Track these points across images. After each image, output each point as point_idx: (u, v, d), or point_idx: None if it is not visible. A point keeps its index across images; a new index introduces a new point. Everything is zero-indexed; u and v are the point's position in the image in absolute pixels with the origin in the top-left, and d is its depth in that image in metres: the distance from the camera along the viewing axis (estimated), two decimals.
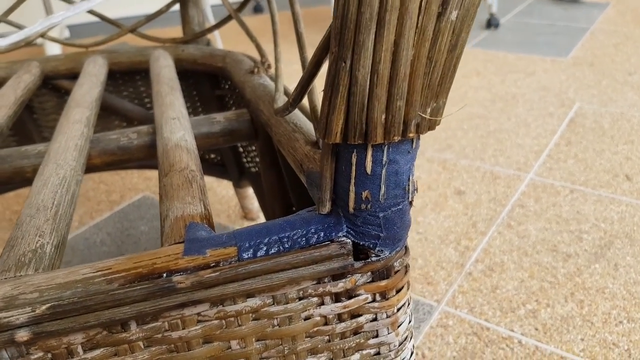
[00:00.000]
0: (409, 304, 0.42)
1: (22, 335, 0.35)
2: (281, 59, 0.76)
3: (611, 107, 1.71)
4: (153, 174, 1.46)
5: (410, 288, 0.40)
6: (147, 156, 0.72)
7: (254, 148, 0.95)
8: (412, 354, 0.43)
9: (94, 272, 0.36)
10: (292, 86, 0.67)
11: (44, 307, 0.35)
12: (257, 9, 3.18)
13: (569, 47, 2.26)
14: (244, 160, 1.02)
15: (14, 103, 0.80)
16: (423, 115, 0.34)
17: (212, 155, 1.12)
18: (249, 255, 0.37)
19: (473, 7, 0.32)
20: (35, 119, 1.03)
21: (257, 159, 0.94)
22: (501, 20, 2.65)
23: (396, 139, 0.34)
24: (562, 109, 1.72)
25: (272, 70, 0.81)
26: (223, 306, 0.37)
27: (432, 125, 0.35)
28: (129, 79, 1.07)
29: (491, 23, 2.57)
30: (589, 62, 2.09)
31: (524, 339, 0.90)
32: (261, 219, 1.26)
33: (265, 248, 0.37)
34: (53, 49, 2.33)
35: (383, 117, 0.34)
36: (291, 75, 0.75)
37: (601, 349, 0.88)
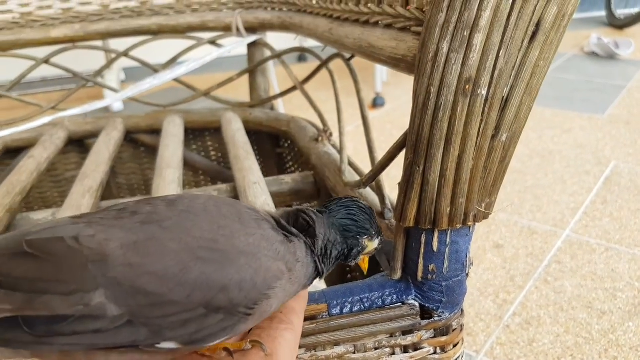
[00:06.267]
0: (462, 356, 0.51)
1: None
2: (344, 132, 0.87)
3: None
4: None
5: (464, 343, 0.50)
6: None
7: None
8: None
9: None
10: (350, 153, 0.79)
11: None
12: (302, 58, 3.34)
13: (605, 105, 2.33)
14: None
15: (108, 159, 0.92)
16: (479, 208, 0.44)
17: None
18: (337, 311, 0.47)
19: (519, 130, 0.42)
20: (112, 165, 1.17)
21: None
22: None
23: (458, 226, 0.44)
24: (599, 167, 1.79)
25: (334, 139, 0.93)
26: (315, 351, 0.47)
27: (486, 216, 0.45)
28: (199, 134, 1.19)
29: None
30: (625, 120, 2.16)
31: None
32: None
33: (349, 306, 0.47)
34: (110, 92, 2.53)
35: (448, 209, 0.44)
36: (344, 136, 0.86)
37: None
